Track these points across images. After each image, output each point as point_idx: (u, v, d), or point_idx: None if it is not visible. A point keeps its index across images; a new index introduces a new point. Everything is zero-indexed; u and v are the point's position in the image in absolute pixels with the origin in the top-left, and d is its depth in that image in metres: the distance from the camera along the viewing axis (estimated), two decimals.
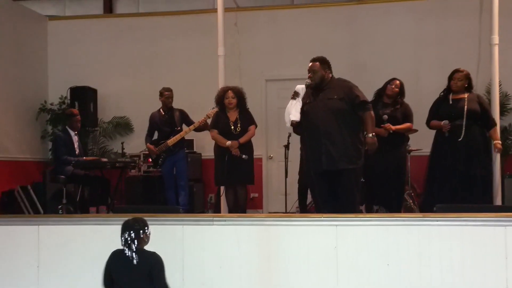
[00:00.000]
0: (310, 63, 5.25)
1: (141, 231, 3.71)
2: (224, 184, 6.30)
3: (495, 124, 5.83)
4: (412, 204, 6.71)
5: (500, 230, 4.13)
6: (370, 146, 5.04)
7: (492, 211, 4.42)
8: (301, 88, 5.33)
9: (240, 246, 4.47)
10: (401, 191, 6.24)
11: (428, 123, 5.90)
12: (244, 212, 6.22)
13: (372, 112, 5.13)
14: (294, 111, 5.30)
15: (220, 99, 6.28)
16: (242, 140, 6.15)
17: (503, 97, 7.60)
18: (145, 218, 3.88)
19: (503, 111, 7.36)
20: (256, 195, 8.32)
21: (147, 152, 7.37)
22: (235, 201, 6.23)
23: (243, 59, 8.28)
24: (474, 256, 4.13)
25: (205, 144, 8.36)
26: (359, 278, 4.26)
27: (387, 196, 6.03)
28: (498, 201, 6.01)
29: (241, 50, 8.10)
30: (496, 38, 6.00)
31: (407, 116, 6.13)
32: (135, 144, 8.56)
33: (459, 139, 5.57)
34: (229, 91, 6.28)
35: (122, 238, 3.69)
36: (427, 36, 8.27)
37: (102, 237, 4.65)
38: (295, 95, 5.32)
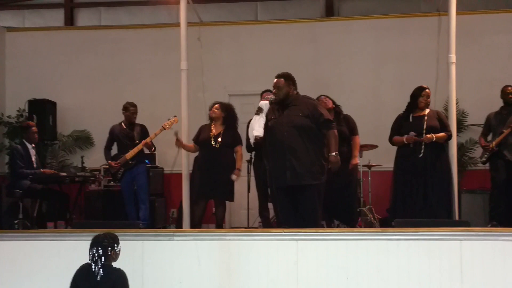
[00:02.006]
0: (275, 79, 5.29)
1: (110, 248, 3.70)
2: (204, 198, 6.27)
3: (450, 137, 5.96)
4: (372, 218, 6.80)
5: (456, 244, 4.23)
6: (333, 164, 5.11)
7: (448, 225, 4.52)
8: (264, 104, 5.37)
9: (200, 262, 4.46)
10: (352, 205, 6.30)
11: (390, 139, 5.99)
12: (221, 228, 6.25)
13: (335, 131, 5.20)
14: (257, 126, 5.33)
15: (209, 111, 6.37)
16: (239, 165, 6.25)
17: (460, 115, 7.81)
18: None
19: (460, 128, 7.56)
20: None
21: (107, 166, 7.28)
22: (202, 216, 6.22)
23: (207, 74, 8.27)
24: (430, 270, 4.21)
25: (168, 159, 8.31)
26: None
27: (340, 211, 6.09)
28: (454, 216, 6.14)
29: (204, 65, 8.09)
30: (453, 57, 6.16)
31: (352, 128, 6.23)
32: (95, 158, 8.43)
33: (420, 155, 5.68)
34: (217, 104, 6.36)
35: (90, 253, 3.66)
36: (387, 53, 8.45)
37: (60, 253, 4.57)
38: (259, 110, 5.35)
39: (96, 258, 3.64)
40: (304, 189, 5.07)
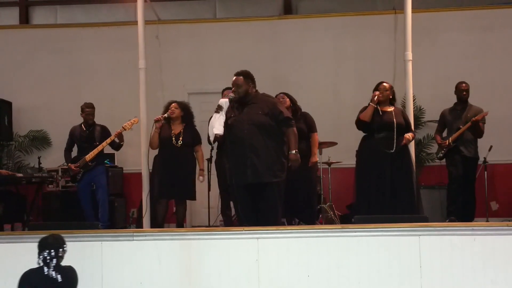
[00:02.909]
0: (234, 77, 5.28)
1: (61, 249, 3.67)
2: (166, 198, 6.23)
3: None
4: (332, 215, 6.87)
5: (415, 240, 4.31)
6: (293, 162, 5.14)
7: (407, 221, 4.59)
8: (224, 102, 5.35)
9: (161, 261, 4.43)
10: (311, 202, 6.33)
11: (357, 120, 5.89)
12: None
13: (295, 129, 5.22)
14: (217, 124, 5.31)
15: (166, 111, 6.30)
16: (202, 166, 6.33)
17: (418, 111, 7.96)
18: (63, 235, 3.81)
19: (417, 124, 7.70)
20: None
21: (65, 167, 7.15)
22: (165, 216, 6.20)
23: (165, 72, 8.22)
24: (390, 265, 4.28)
25: (127, 158, 8.22)
26: None
27: (298, 208, 6.13)
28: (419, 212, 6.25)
29: (163, 64, 8.04)
30: (409, 55, 6.26)
31: (310, 125, 6.28)
32: (53, 158, 8.27)
33: (391, 151, 5.73)
34: (174, 103, 6.33)
35: (41, 256, 3.61)
36: (345, 51, 8.54)
37: (16, 255, 4.47)
38: (219, 108, 5.33)
39: (49, 260, 3.59)
40: (265, 187, 5.08)
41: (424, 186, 7.34)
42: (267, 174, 5.06)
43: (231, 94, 5.26)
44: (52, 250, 3.63)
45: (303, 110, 6.35)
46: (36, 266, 3.74)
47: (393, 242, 4.34)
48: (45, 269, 3.62)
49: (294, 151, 5.13)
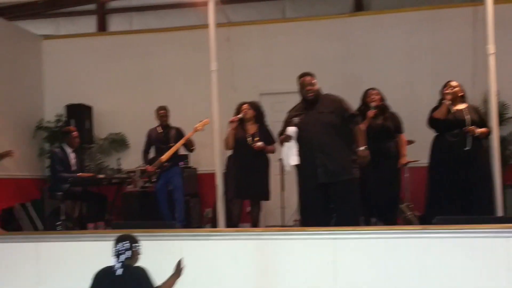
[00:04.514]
0: (308, 77, 5.27)
1: (135, 244, 3.74)
2: (241, 198, 6.32)
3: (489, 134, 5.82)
4: (410, 216, 6.69)
5: (501, 242, 4.12)
6: (362, 159, 5.09)
7: (493, 222, 4.39)
8: (292, 131, 5.28)
9: (237, 261, 4.46)
10: (396, 203, 6.23)
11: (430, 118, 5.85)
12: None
13: (361, 126, 5.21)
14: (292, 155, 5.27)
15: (238, 112, 6.41)
16: (259, 145, 6.21)
17: (501, 107, 7.61)
18: (143, 234, 3.91)
19: (501, 120, 7.37)
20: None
21: (143, 168, 7.37)
22: (239, 216, 6.30)
23: (237, 74, 8.28)
24: (474, 268, 4.10)
25: (201, 159, 8.36)
26: None
27: (382, 208, 6.02)
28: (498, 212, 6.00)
29: (234, 65, 8.11)
30: (491, 48, 6.01)
31: (398, 126, 6.16)
32: (131, 160, 8.55)
33: (465, 148, 5.56)
34: (245, 104, 6.44)
35: (115, 249, 3.70)
36: (420, 47, 8.31)
37: (100, 253, 4.62)
38: (288, 138, 5.28)
39: (120, 253, 3.69)
40: (339, 185, 5.03)
41: (509, 185, 7.00)
42: (339, 173, 5.01)
43: (296, 118, 5.20)
44: (127, 242, 3.71)
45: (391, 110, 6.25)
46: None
47: (478, 244, 4.15)
48: (114, 261, 3.70)
49: (362, 147, 5.07)
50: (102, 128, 8.99)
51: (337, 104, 5.19)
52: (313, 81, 5.25)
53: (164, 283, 3.82)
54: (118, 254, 3.69)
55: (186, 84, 8.78)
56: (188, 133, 6.79)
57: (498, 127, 5.75)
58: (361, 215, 5.72)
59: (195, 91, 8.46)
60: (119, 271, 3.64)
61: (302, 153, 5.19)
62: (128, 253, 3.69)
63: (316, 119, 5.13)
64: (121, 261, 3.67)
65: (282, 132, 5.40)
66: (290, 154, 5.26)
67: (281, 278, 4.39)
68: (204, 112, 6.78)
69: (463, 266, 4.11)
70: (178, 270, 3.92)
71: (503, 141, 7.50)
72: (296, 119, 5.19)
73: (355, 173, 5.10)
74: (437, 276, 4.12)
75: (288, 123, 5.34)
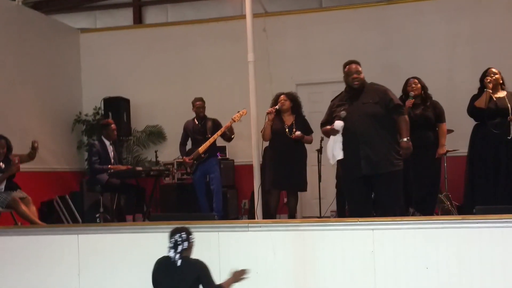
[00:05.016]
0: (354, 65, 5.20)
1: (191, 236, 3.77)
2: (278, 189, 6.32)
3: None
4: (449, 206, 6.59)
5: None
6: (405, 150, 5.01)
7: None
8: (340, 125, 5.18)
9: (275, 252, 4.47)
10: (435, 193, 6.15)
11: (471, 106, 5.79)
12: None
13: (406, 117, 5.10)
14: (338, 149, 5.19)
15: (275, 103, 6.38)
16: (297, 135, 6.19)
17: None
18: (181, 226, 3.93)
19: None
20: None
21: (180, 160, 7.44)
22: (277, 207, 6.27)
23: (273, 64, 8.26)
24: None
25: (238, 151, 8.39)
26: (397, 282, 4.19)
27: (421, 198, 5.95)
28: None
29: (270, 56, 8.09)
30: None
31: (439, 115, 6.06)
32: (168, 152, 8.64)
33: (508, 137, 5.45)
34: (282, 95, 6.41)
35: (172, 239, 3.72)
36: (460, 34, 8.13)
37: (139, 245, 4.72)
38: (335, 132, 5.19)
39: (179, 243, 3.70)
40: (383, 177, 4.97)
41: None
42: (384, 164, 4.95)
43: (343, 112, 5.11)
44: (184, 233, 3.73)
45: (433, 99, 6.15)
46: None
47: None
48: (172, 252, 3.72)
49: (405, 138, 5.00)
50: (140, 120, 9.09)
51: (382, 94, 5.10)
52: (359, 69, 5.17)
53: (225, 283, 3.83)
54: (175, 245, 3.72)
55: (223, 76, 8.79)
56: (225, 124, 6.81)
57: None
58: (403, 207, 5.67)
59: (232, 83, 8.49)
60: (178, 262, 3.70)
61: (346, 145, 5.11)
62: (185, 244, 3.73)
63: (361, 110, 5.04)
64: (179, 252, 3.71)
65: (326, 122, 5.32)
66: (335, 148, 5.19)
67: (320, 269, 4.38)
68: (241, 104, 6.81)
69: (503, 257, 4.02)
70: (237, 277, 3.90)
71: None
72: (343, 113, 5.09)
73: (399, 165, 5.02)
74: (476, 267, 4.05)
75: (333, 114, 5.24)
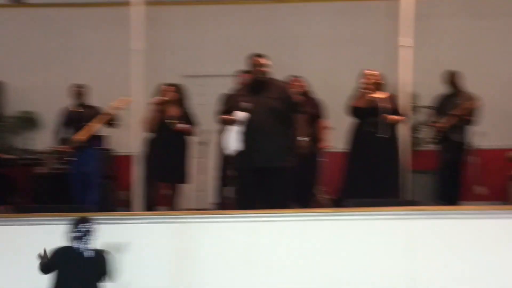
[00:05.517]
0: (261, 58, 5.24)
1: (93, 226, 3.77)
2: (160, 181, 6.21)
3: (403, 121, 6.09)
4: (324, 199, 6.87)
5: (405, 223, 4.32)
6: (302, 148, 5.15)
7: (398, 205, 4.59)
8: (242, 115, 5.19)
9: (154, 244, 4.40)
10: (311, 186, 6.40)
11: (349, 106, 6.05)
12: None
13: (304, 115, 5.26)
14: (234, 141, 5.20)
15: (161, 94, 6.28)
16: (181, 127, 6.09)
17: (413, 97, 7.89)
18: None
19: (411, 109, 7.65)
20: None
21: (56, 149, 7.09)
22: (156, 199, 6.25)
23: (160, 54, 8.10)
24: (381, 247, 4.29)
25: (118, 141, 8.14)
26: (274, 273, 4.29)
27: (301, 192, 6.14)
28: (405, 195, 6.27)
29: (157, 45, 7.92)
30: (406, 41, 6.25)
31: (320, 111, 6.33)
32: (44, 140, 8.19)
33: (380, 135, 5.78)
34: (169, 86, 6.34)
35: (76, 230, 3.68)
36: (341, 37, 8.47)
37: (5, 237, 4.44)
38: (235, 122, 5.20)
39: (82, 235, 3.68)
40: (275, 171, 5.06)
41: (418, 171, 7.31)
42: (276, 159, 5.06)
43: (248, 103, 5.12)
44: (88, 224, 3.71)
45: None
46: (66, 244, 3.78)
47: (383, 226, 4.35)
48: (77, 244, 3.66)
49: (303, 137, 5.14)
50: (14, 105, 8.56)
51: (282, 90, 5.22)
52: (266, 63, 5.21)
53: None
54: (81, 236, 3.65)
55: (107, 63, 8.48)
56: (105, 111, 6.58)
57: (408, 116, 6.02)
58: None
59: (116, 71, 8.17)
60: (89, 253, 3.56)
61: (244, 136, 5.16)
62: (90, 235, 3.61)
63: (263, 104, 5.12)
64: (86, 243, 3.66)
65: (225, 112, 5.31)
66: (233, 138, 5.20)
67: (199, 261, 4.39)
68: (124, 93, 6.60)
69: (370, 246, 4.28)
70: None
71: (413, 128, 7.84)
72: (246, 104, 5.11)
73: (291, 161, 5.15)
74: (348, 256, 4.25)
75: (234, 104, 5.24)
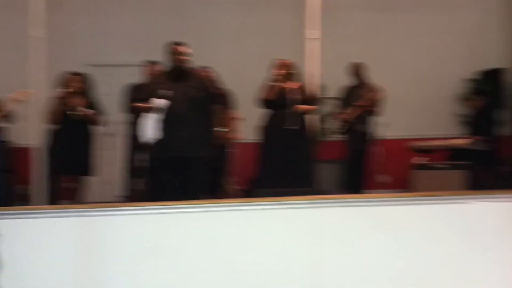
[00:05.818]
0: (182, 46, 5.18)
1: None
2: (65, 173, 6.02)
3: (314, 110, 6.24)
4: (234, 189, 6.91)
5: (313, 212, 4.38)
6: (220, 139, 5.16)
7: (307, 194, 4.68)
8: (162, 103, 5.07)
9: (57, 240, 4.20)
10: (223, 178, 6.45)
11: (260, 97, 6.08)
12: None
13: (221, 106, 5.30)
14: (152, 129, 5.09)
15: (65, 83, 6.07)
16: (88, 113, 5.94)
17: (320, 88, 8.08)
18: None
19: (319, 100, 7.83)
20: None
21: None
22: (58, 192, 6.08)
23: (64, 42, 7.78)
24: (291, 236, 4.33)
25: (17, 133, 7.71)
26: (185, 265, 4.24)
27: (213, 183, 6.15)
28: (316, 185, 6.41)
29: (61, 32, 7.60)
30: (313, 33, 6.37)
31: (228, 102, 6.38)
32: None
33: (291, 126, 5.86)
34: (75, 75, 6.14)
35: None
36: (250, 27, 8.51)
37: None
38: (155, 110, 5.06)
39: None
40: (192, 161, 5.04)
41: (325, 160, 7.51)
42: (196, 149, 5.06)
43: (168, 91, 5.01)
44: None
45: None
46: None
47: (293, 215, 4.39)
48: None
49: (219, 127, 5.14)
50: None
51: (201, 80, 5.22)
52: (187, 51, 5.11)
53: None
54: None
55: (2, 51, 8.00)
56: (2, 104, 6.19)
57: (316, 106, 6.15)
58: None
59: (14, 58, 7.74)
60: None
61: (162, 124, 5.10)
62: None
63: (183, 92, 5.07)
64: None
65: (141, 99, 5.16)
66: (150, 127, 5.07)
67: (104, 256, 4.24)
68: (25, 82, 6.26)
69: (280, 235, 4.32)
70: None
71: (321, 119, 8.05)
72: (164, 92, 5.00)
73: (208, 152, 5.12)
74: (258, 246, 4.28)
75: (152, 92, 5.11)
